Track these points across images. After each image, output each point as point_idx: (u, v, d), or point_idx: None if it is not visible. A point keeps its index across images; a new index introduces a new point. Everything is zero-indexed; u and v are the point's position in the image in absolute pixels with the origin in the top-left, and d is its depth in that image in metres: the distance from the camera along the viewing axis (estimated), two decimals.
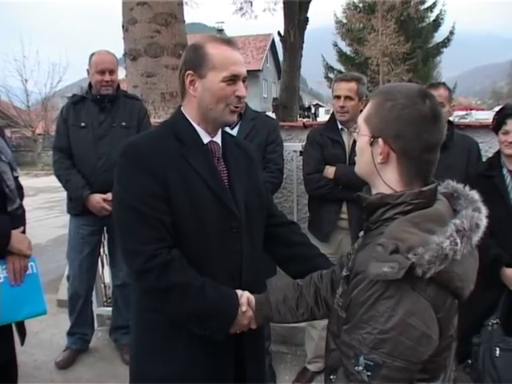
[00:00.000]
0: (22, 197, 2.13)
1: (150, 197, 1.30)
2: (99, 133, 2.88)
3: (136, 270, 1.32)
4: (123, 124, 2.92)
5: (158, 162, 1.33)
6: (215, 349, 1.38)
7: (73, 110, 2.96)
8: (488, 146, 3.06)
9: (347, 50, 25.10)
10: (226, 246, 1.40)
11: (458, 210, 1.04)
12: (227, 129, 2.66)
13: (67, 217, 3.12)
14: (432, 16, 24.23)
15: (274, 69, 35.93)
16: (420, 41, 23.22)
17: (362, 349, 0.93)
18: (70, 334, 3.18)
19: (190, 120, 1.43)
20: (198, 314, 1.33)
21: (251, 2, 14.15)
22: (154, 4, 3.41)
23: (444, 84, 2.76)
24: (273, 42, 33.97)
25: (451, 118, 2.88)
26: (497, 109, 2.80)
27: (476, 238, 0.96)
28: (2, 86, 22.67)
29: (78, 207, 2.91)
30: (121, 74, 3.08)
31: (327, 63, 25.71)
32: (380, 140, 1.03)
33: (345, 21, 24.36)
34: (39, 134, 23.27)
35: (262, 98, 32.35)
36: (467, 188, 1.08)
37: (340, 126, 2.69)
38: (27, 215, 2.16)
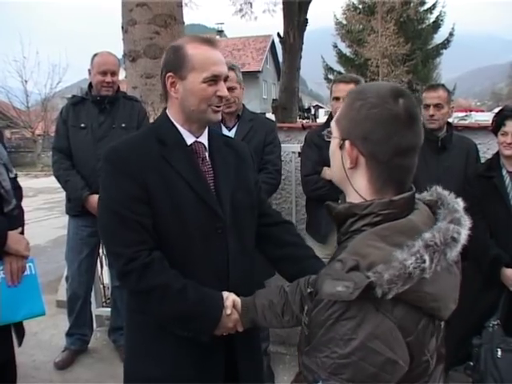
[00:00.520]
0: (20, 197, 2.14)
1: (130, 200, 1.32)
2: (99, 134, 2.88)
3: (118, 272, 1.35)
4: (123, 125, 2.92)
5: (137, 165, 1.33)
6: (203, 350, 1.38)
7: (72, 110, 2.96)
8: (486, 148, 3.07)
9: (347, 51, 25.09)
10: (211, 246, 1.40)
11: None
12: (225, 130, 2.69)
13: (67, 218, 3.12)
14: (432, 17, 24.22)
15: (273, 70, 35.93)
16: (420, 42, 23.21)
17: (321, 373, 0.83)
18: (68, 334, 3.18)
19: (173, 121, 1.43)
20: (178, 316, 1.33)
21: (251, 4, 14.16)
22: (154, 5, 3.41)
23: (443, 85, 2.78)
24: (273, 43, 33.96)
25: (450, 120, 2.89)
26: (496, 110, 2.81)
27: (453, 253, 0.85)
28: (1, 86, 22.72)
29: (77, 208, 2.91)
30: (120, 75, 3.09)
31: (327, 64, 25.69)
32: (347, 142, 0.94)
33: (344, 22, 24.34)
34: (39, 135, 23.29)
35: (261, 99, 32.35)
36: (452, 196, 0.98)
37: None
38: (26, 216, 2.17)
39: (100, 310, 3.57)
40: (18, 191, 2.13)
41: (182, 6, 3.71)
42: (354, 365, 0.79)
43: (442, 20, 24.26)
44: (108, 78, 2.92)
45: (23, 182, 2.25)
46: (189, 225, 1.36)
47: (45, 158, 20.28)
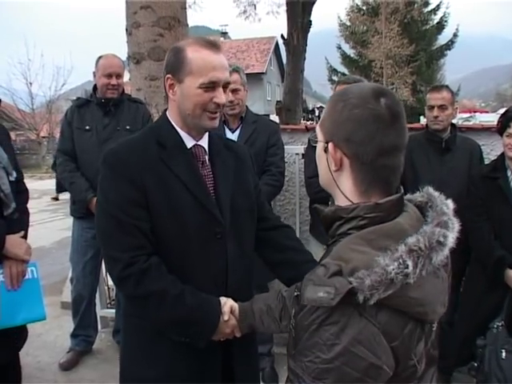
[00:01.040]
0: (26, 200, 2.14)
1: (127, 204, 1.30)
2: (103, 136, 2.90)
3: (116, 277, 1.32)
4: (127, 127, 2.93)
5: (136, 168, 1.31)
6: (199, 355, 1.36)
7: (77, 113, 2.98)
8: (490, 149, 3.07)
9: (351, 52, 25.05)
10: (209, 251, 1.38)
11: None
12: (228, 133, 2.69)
13: (71, 219, 3.13)
14: (436, 18, 24.14)
15: (277, 71, 35.94)
16: (424, 43, 23.14)
17: (305, 378, 0.82)
18: (73, 335, 3.20)
19: (173, 124, 1.41)
20: (176, 321, 1.31)
21: (255, 5, 14.16)
22: (158, 8, 3.42)
23: (447, 87, 2.78)
24: (277, 44, 33.97)
25: (454, 121, 2.88)
26: (501, 111, 2.80)
27: (439, 257, 0.83)
28: (6, 88, 22.86)
29: (81, 210, 2.93)
30: (125, 77, 3.11)
31: (331, 66, 25.66)
32: (330, 144, 0.93)
33: (348, 23, 24.31)
34: (44, 137, 23.41)
35: (265, 100, 32.35)
36: (442, 197, 0.96)
37: None
38: (31, 218, 2.16)
39: (105, 312, 3.58)
40: (24, 194, 2.13)
41: (185, 8, 3.72)
42: (337, 370, 0.79)
43: (446, 21, 24.18)
44: (113, 81, 2.93)
45: (28, 183, 2.25)
46: (187, 228, 1.34)
47: (50, 160, 20.34)
